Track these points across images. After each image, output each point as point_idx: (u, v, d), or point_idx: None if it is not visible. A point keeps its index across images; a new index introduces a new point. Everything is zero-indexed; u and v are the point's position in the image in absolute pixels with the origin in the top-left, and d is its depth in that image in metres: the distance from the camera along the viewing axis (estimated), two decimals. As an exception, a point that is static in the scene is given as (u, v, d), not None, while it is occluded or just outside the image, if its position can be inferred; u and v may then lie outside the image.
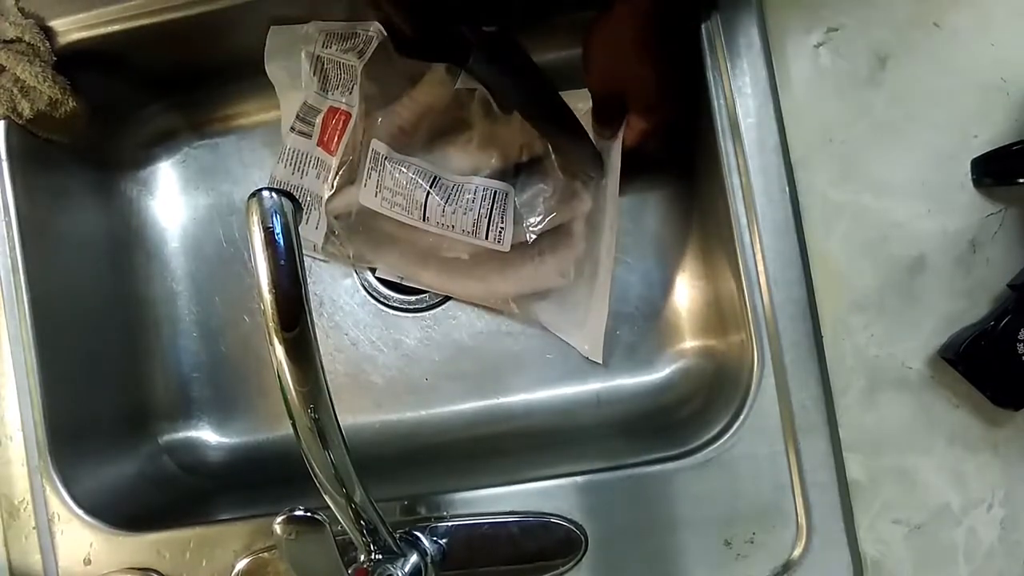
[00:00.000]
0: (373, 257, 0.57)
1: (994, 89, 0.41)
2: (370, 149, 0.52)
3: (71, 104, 0.49)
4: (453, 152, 0.53)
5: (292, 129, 0.55)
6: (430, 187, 0.51)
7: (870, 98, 0.42)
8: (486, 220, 0.51)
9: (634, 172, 0.56)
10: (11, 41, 0.47)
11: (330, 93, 0.55)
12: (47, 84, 0.47)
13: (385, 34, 0.51)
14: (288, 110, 0.56)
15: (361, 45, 0.52)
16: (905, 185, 0.42)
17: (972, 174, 0.41)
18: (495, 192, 0.51)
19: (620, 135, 0.47)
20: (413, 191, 0.51)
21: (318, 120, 0.55)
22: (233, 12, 0.48)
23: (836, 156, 0.42)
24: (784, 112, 0.43)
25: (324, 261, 0.59)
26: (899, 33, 0.42)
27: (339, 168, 0.54)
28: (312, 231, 0.56)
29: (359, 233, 0.55)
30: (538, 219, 0.51)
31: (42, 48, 0.47)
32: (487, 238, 0.51)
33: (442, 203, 0.51)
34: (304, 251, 0.56)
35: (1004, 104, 0.41)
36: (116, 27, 0.49)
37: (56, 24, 0.48)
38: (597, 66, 0.45)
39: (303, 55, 0.54)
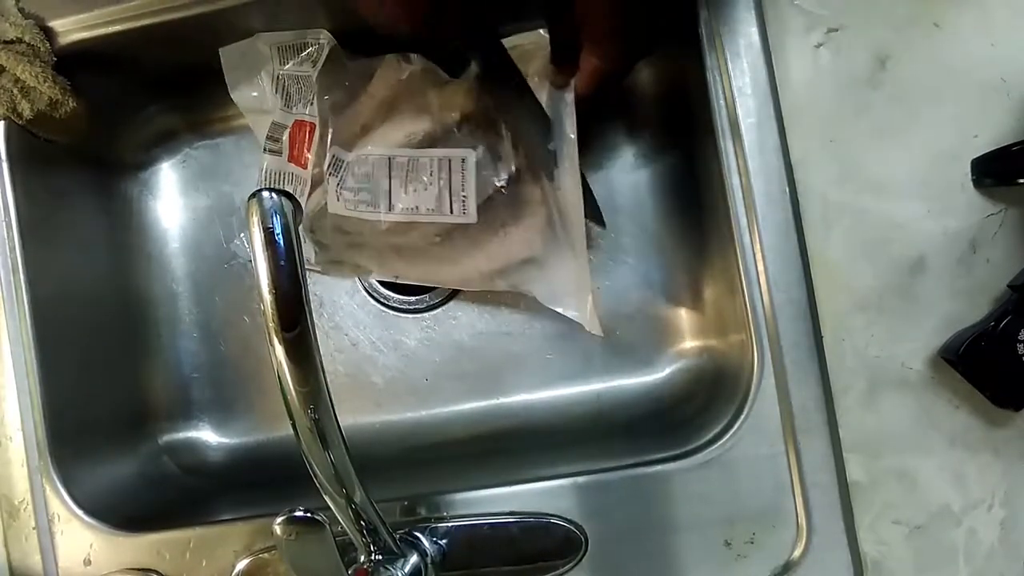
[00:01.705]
0: (360, 261, 0.56)
1: (994, 89, 0.41)
2: (330, 156, 0.52)
3: (71, 104, 0.49)
4: (410, 128, 0.52)
5: (265, 150, 0.55)
6: (390, 171, 0.50)
7: (870, 98, 0.42)
8: (447, 192, 0.50)
9: (633, 171, 0.56)
10: (11, 41, 0.47)
11: (293, 108, 0.54)
12: (47, 84, 0.47)
13: (335, 40, 0.51)
14: (260, 132, 0.56)
15: (314, 54, 0.52)
16: (905, 185, 0.42)
17: (972, 174, 0.41)
18: (450, 160, 0.50)
19: (573, 82, 0.45)
20: (378, 181, 0.51)
21: (285, 136, 0.54)
22: (233, 12, 0.48)
23: (836, 156, 0.42)
24: (784, 112, 0.43)
25: (322, 273, 0.59)
26: (899, 33, 0.42)
27: (313, 181, 0.53)
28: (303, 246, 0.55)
29: (339, 243, 0.55)
30: (503, 176, 0.50)
31: (42, 48, 0.47)
32: (451, 211, 0.50)
33: (403, 184, 0.50)
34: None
35: (1004, 104, 0.41)
36: (116, 27, 0.49)
37: (56, 24, 0.48)
38: None
39: (263, 75, 0.54)
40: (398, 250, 0.54)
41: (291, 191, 0.53)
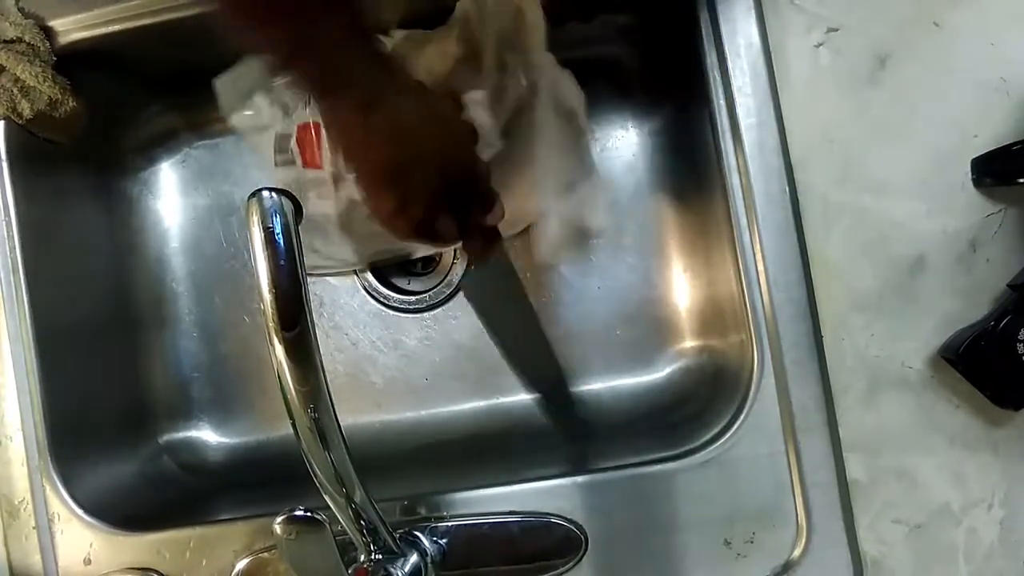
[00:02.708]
0: (404, 244, 0.55)
1: (994, 89, 0.41)
2: None
3: (71, 104, 0.49)
4: None
5: (276, 164, 0.55)
6: None
7: (870, 98, 0.42)
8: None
9: (633, 171, 0.56)
10: (11, 41, 0.47)
11: (293, 114, 0.54)
12: (47, 84, 0.47)
13: None
14: (265, 150, 0.55)
15: None
16: (905, 185, 0.42)
17: (972, 174, 0.41)
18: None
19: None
20: None
21: (293, 144, 0.54)
22: (233, 12, 0.48)
23: (836, 156, 0.42)
24: (784, 112, 0.43)
25: (362, 272, 0.58)
26: (899, 33, 0.42)
27: (334, 177, 0.53)
28: (340, 250, 0.55)
29: (376, 231, 0.54)
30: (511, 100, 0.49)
31: (42, 48, 0.47)
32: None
33: None
34: (340, 272, 0.57)
35: (1004, 104, 0.41)
36: (116, 27, 0.49)
37: (56, 24, 0.48)
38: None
39: (258, 95, 0.54)
40: None
41: (317, 195, 0.53)
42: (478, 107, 0.48)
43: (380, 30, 0.52)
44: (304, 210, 0.53)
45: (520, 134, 0.50)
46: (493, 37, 0.48)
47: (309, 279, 0.57)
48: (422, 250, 0.56)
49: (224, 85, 0.54)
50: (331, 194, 0.53)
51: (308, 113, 0.53)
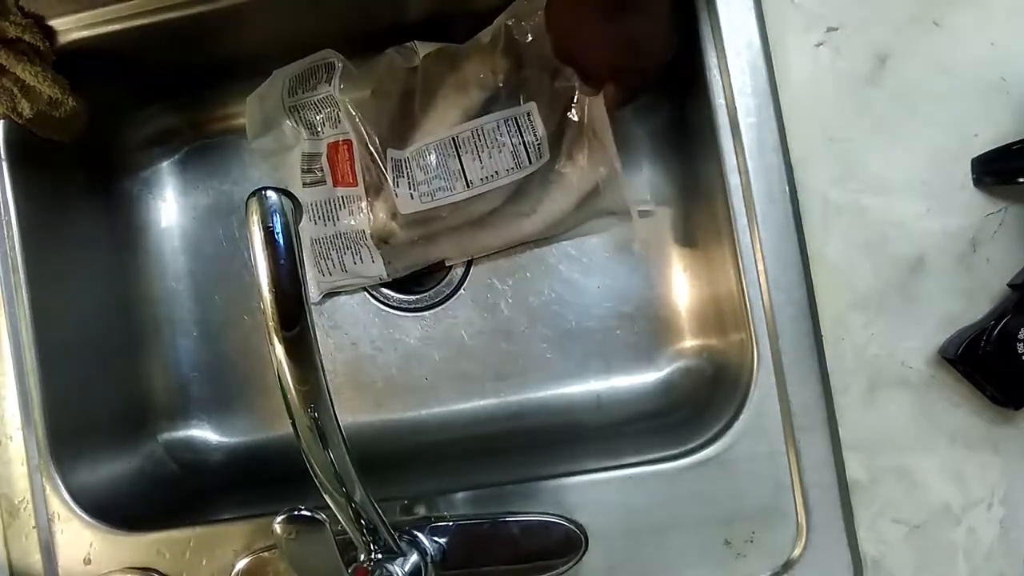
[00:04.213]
0: (436, 254, 0.56)
1: (994, 88, 0.41)
2: (388, 159, 0.52)
3: (71, 104, 0.49)
4: (445, 110, 0.52)
5: (304, 185, 0.55)
6: (457, 150, 0.51)
7: (870, 97, 0.42)
8: (522, 145, 0.50)
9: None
10: (11, 41, 0.47)
11: (321, 132, 0.55)
12: (47, 84, 0.47)
13: (342, 56, 0.52)
14: (290, 171, 0.56)
15: (325, 75, 0.53)
16: (905, 185, 0.42)
17: (972, 173, 0.41)
18: (516, 118, 0.51)
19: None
20: (446, 164, 0.51)
21: (323, 163, 0.54)
22: (233, 12, 0.48)
23: (836, 156, 0.42)
24: (784, 112, 0.43)
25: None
26: (899, 33, 0.42)
27: (367, 194, 0.53)
28: (371, 266, 0.55)
29: (413, 243, 0.54)
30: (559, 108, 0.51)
31: (42, 48, 0.47)
32: (531, 161, 0.50)
33: (475, 156, 0.51)
34: (370, 286, 0.57)
35: (1004, 103, 0.41)
36: (116, 27, 0.48)
37: (56, 24, 0.48)
38: (558, 35, 0.46)
39: (278, 115, 0.55)
40: (475, 222, 0.54)
41: (349, 213, 0.54)
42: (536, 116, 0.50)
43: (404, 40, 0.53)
44: (335, 228, 0.54)
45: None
46: (535, 52, 0.49)
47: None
48: (454, 257, 0.57)
49: (253, 103, 0.55)
50: (364, 209, 0.54)
51: (338, 131, 0.54)
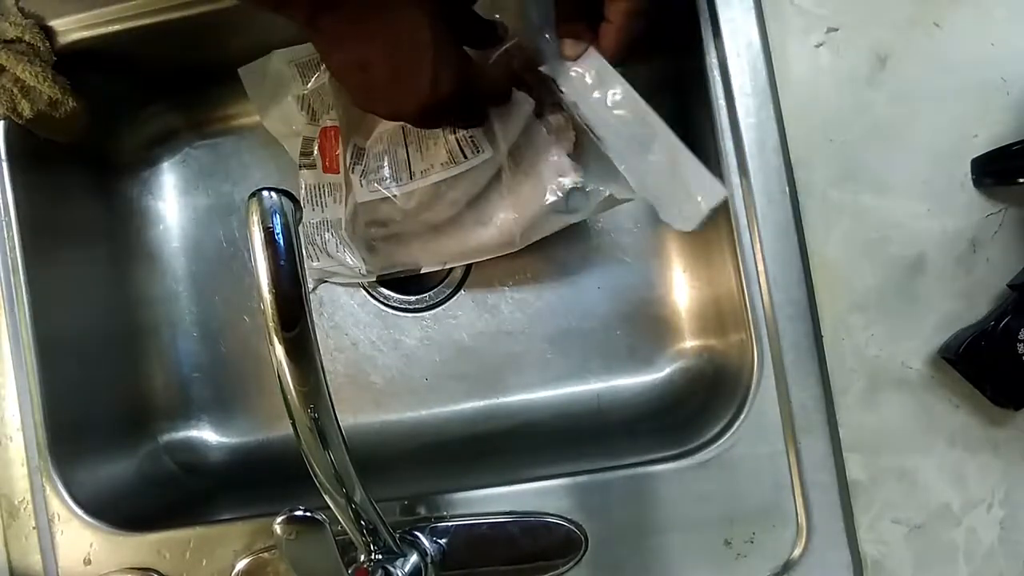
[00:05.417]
0: (406, 258, 0.55)
1: (994, 89, 0.41)
2: (351, 148, 0.51)
3: (71, 104, 0.49)
4: None
5: (301, 167, 0.55)
6: (404, 140, 0.49)
7: (870, 98, 0.42)
8: (455, 140, 0.47)
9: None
10: (11, 41, 0.47)
11: (319, 119, 0.55)
12: (47, 84, 0.47)
13: None
14: (293, 152, 0.57)
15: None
16: (905, 185, 0.42)
17: (972, 174, 0.41)
18: None
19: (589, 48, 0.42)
20: (395, 153, 0.49)
21: (315, 148, 0.55)
22: (233, 12, 0.48)
23: (836, 156, 0.42)
24: (784, 112, 0.43)
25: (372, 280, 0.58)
26: (899, 33, 0.42)
27: (346, 183, 0.53)
28: (350, 257, 0.55)
29: (379, 241, 0.54)
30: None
31: (42, 48, 0.47)
32: (465, 156, 0.47)
33: (418, 147, 0.49)
34: (349, 282, 0.57)
35: (1004, 104, 0.41)
36: (116, 27, 0.49)
37: (56, 24, 0.48)
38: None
39: (290, 98, 0.55)
40: (437, 229, 0.52)
41: (334, 200, 0.54)
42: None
43: None
44: (323, 215, 0.54)
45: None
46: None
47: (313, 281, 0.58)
48: (427, 263, 0.55)
49: (249, 76, 0.54)
50: (344, 199, 0.54)
51: (330, 118, 0.54)
